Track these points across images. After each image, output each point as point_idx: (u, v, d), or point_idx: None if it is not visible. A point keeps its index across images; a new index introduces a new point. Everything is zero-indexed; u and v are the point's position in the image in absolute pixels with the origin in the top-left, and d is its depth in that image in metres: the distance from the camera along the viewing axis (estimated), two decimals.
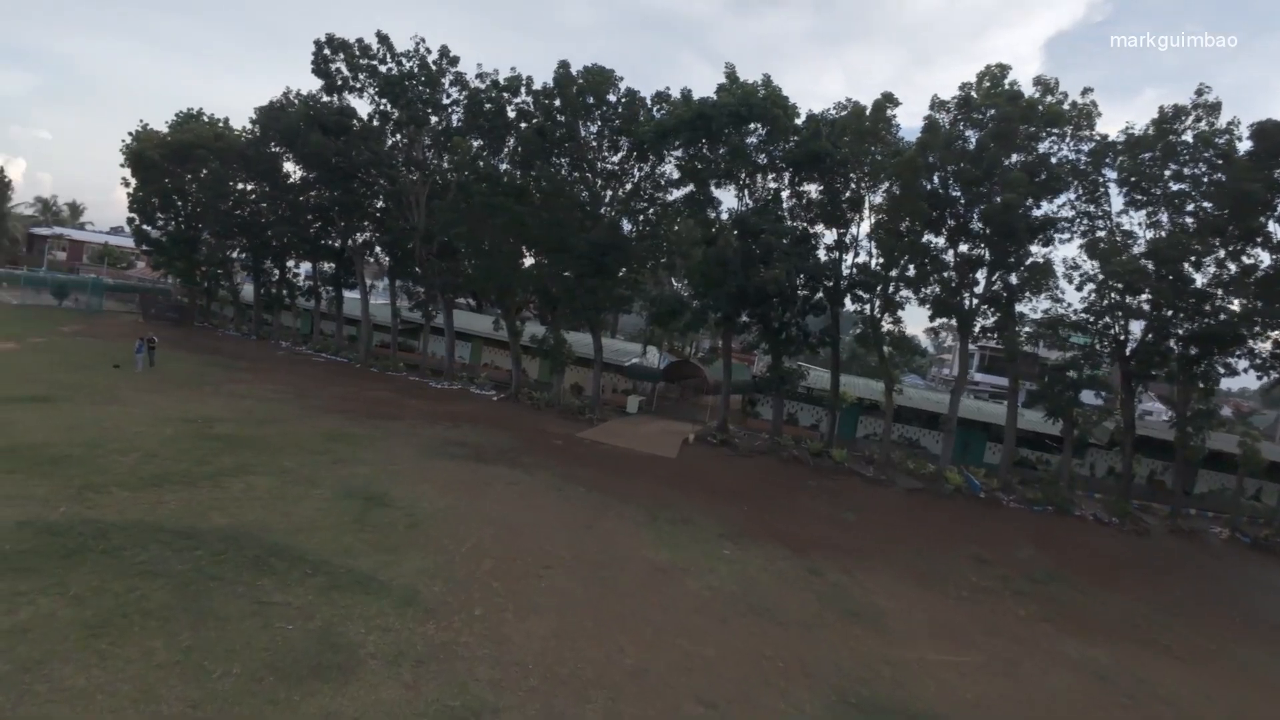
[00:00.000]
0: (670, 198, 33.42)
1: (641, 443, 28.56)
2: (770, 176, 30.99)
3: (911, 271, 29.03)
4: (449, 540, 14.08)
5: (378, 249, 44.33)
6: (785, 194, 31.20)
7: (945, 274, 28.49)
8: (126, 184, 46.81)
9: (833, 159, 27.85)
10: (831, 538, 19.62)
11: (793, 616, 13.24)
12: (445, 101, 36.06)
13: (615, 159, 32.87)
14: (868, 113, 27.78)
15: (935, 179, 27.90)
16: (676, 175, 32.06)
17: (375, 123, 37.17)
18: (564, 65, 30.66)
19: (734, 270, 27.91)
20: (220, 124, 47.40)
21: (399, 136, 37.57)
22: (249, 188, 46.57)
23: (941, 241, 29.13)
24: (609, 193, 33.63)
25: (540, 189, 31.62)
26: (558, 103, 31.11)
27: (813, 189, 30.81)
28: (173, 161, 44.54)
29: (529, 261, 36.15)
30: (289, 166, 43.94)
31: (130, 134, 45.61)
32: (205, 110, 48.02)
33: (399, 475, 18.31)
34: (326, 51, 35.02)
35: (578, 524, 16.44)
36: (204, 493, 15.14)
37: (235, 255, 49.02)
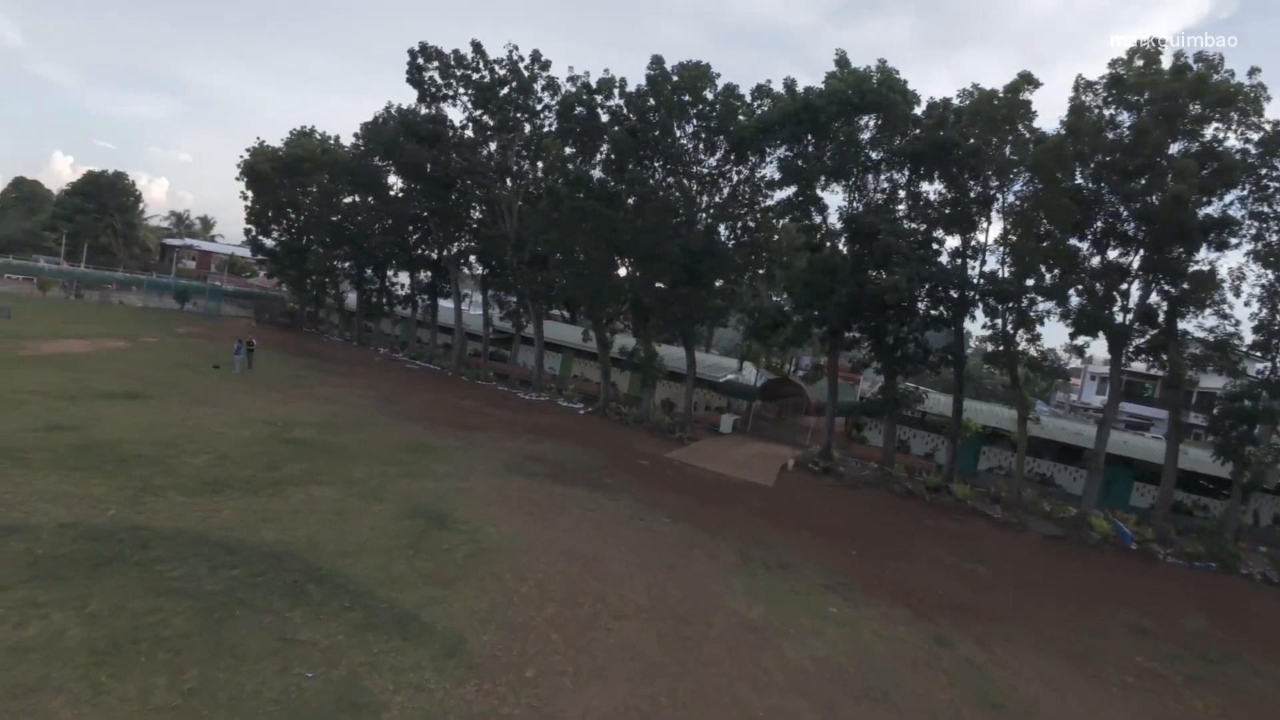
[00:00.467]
0: (769, 201, 31.00)
1: (735, 467, 26.03)
2: (884, 174, 27.82)
3: (1048, 280, 25.10)
4: (510, 574, 12.23)
5: (472, 258, 44.24)
6: (901, 194, 27.90)
7: (1090, 283, 24.38)
8: (245, 197, 49.43)
9: (961, 150, 24.42)
10: (959, 595, 16.36)
11: (918, 705, 10.39)
12: (537, 107, 35.29)
13: (712, 161, 30.78)
14: (1000, 96, 24.29)
15: (1080, 172, 23.96)
16: (777, 176, 29.52)
17: (468, 130, 36.91)
18: (658, 61, 28.98)
19: (844, 278, 24.97)
20: (330, 140, 49.23)
21: (492, 145, 37.17)
22: (354, 200, 48.10)
23: (1086, 246, 25.05)
24: (704, 197, 31.56)
25: (632, 193, 29.95)
26: (651, 102, 29.40)
27: (931, 189, 27.46)
28: (283, 175, 46.59)
29: (621, 272, 34.63)
30: (392, 179, 45.07)
31: (247, 150, 48.07)
32: (318, 128, 50.17)
33: (469, 493, 16.79)
34: (420, 60, 35.18)
35: (659, 562, 14.20)
36: (262, 501, 14.13)
37: (341, 265, 50.56)
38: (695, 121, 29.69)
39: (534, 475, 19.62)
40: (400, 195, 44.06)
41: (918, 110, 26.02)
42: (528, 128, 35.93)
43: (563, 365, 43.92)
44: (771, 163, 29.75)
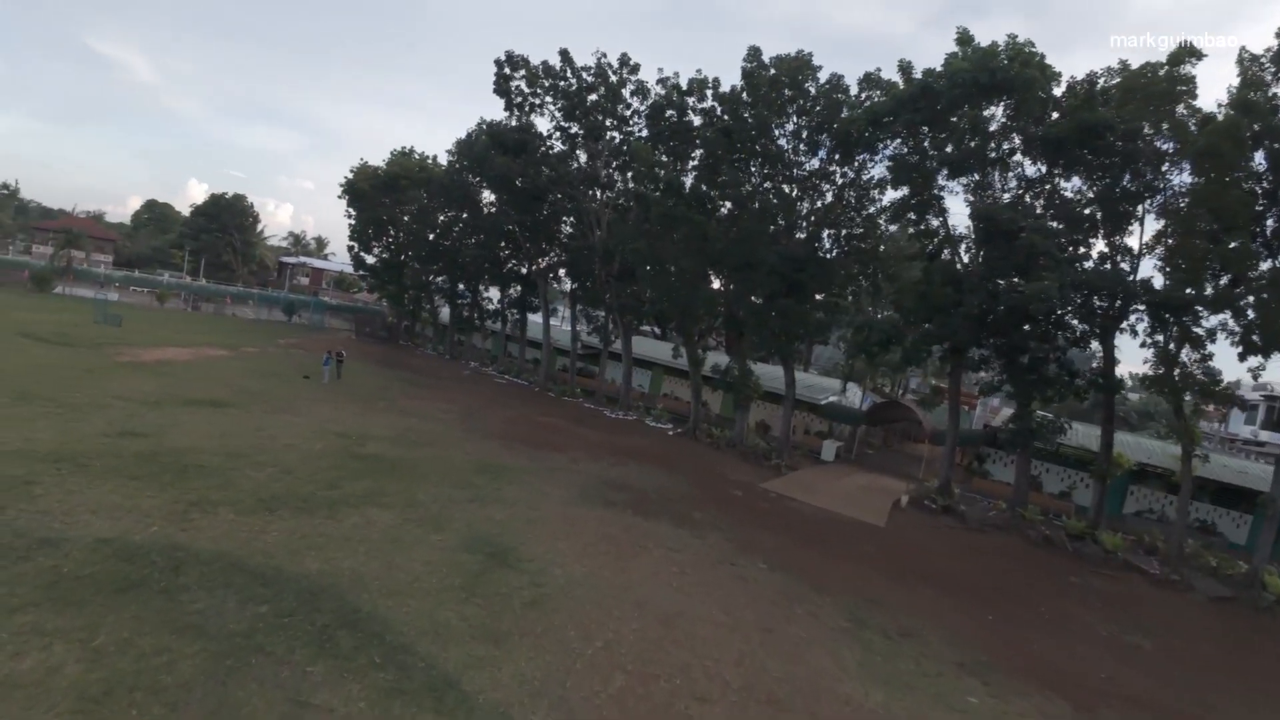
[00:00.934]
0: (877, 205, 28.00)
1: (840, 502, 23.07)
2: (1013, 169, 24.20)
3: (1210, 290, 20.86)
4: (575, 631, 10.22)
5: (561, 272, 43.31)
6: (1033, 191, 24.13)
7: (1271, 293, 19.96)
8: (349, 215, 51.02)
9: (1114, 133, 20.61)
10: (1124, 681, 12.87)
11: None
12: (626, 113, 33.88)
13: (814, 162, 28.14)
14: (1159, 69, 20.47)
15: (1255, 159, 19.74)
16: (886, 177, 26.48)
17: (555, 138, 35.98)
18: (754, 53, 26.75)
19: (973, 287, 21.65)
20: (428, 159, 50.11)
21: (581, 155, 36.07)
22: (449, 217, 48.60)
23: (1255, 246, 20.65)
24: (805, 203, 28.91)
25: (727, 198, 27.79)
26: (746, 98, 27.18)
27: (1069, 185, 23.59)
28: (382, 193, 47.69)
29: (714, 284, 32.43)
30: (484, 195, 45.18)
31: (351, 170, 49.62)
32: (417, 149, 51.27)
33: (539, 524, 14.99)
34: (506, 70, 34.55)
35: (754, 623, 11.75)
36: (314, 523, 12.89)
37: (436, 280, 51.16)
38: (795, 119, 27.21)
39: (613, 505, 17.64)
40: (492, 211, 43.99)
41: (1055, 91, 22.45)
42: (617, 136, 34.61)
43: (652, 383, 42.07)
44: (881, 161, 26.85)
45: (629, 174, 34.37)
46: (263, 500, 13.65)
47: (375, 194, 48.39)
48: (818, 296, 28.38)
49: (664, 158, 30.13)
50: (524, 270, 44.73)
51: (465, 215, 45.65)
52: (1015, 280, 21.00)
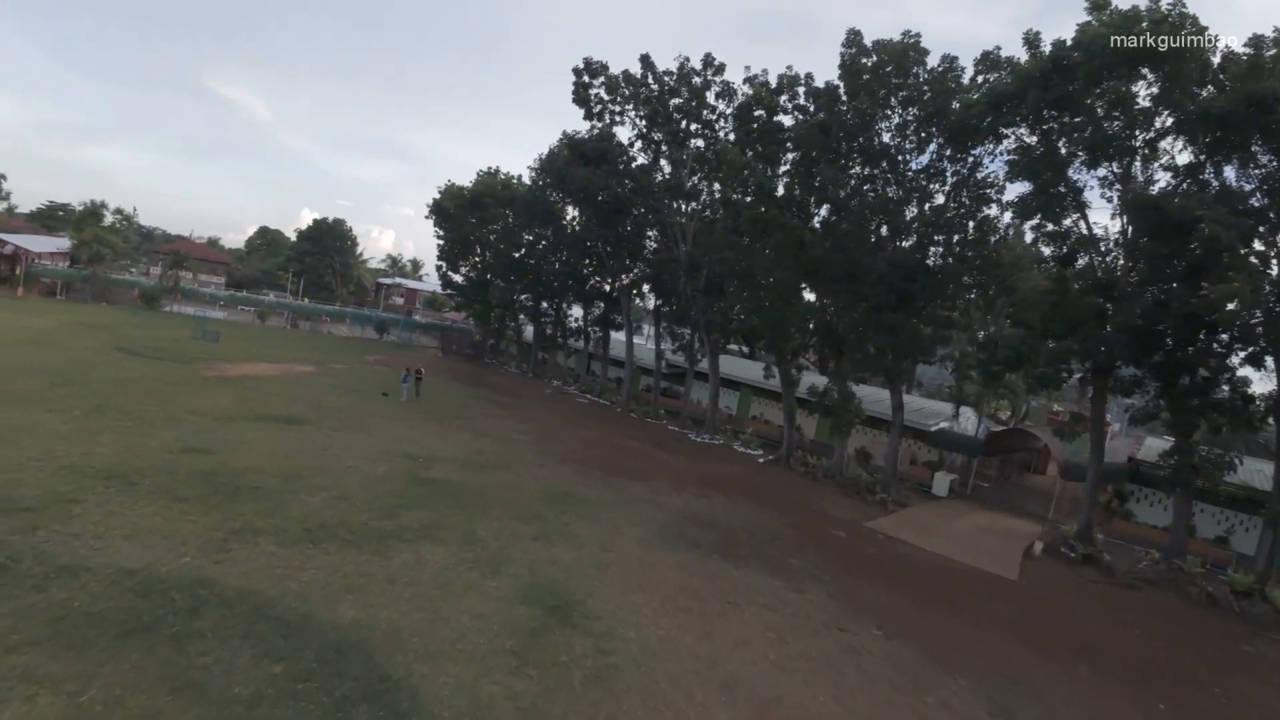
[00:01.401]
0: (994, 206, 24.74)
1: (961, 547, 19.84)
2: (1161, 155, 20.34)
3: None
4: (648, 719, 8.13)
5: (645, 288, 41.62)
6: (1187, 179, 20.05)
7: None
8: (438, 236, 51.62)
9: None
10: None
11: None
12: (711, 116, 31.99)
13: (922, 159, 25.13)
14: None
15: None
16: (1006, 172, 23.14)
17: (637, 149, 34.52)
18: (854, 37, 24.17)
19: (1128, 294, 18.14)
20: (512, 179, 50.15)
21: (664, 165, 34.42)
22: (533, 235, 48.27)
23: None
24: (913, 206, 25.90)
25: (825, 200, 25.28)
26: (844, 89, 24.64)
27: (1229, 172, 19.59)
28: (468, 212, 47.88)
29: (810, 297, 29.77)
30: (568, 212, 44.55)
31: (438, 189, 50.15)
32: (504, 168, 51.58)
33: (610, 570, 13.02)
34: (585, 78, 33.36)
35: (871, 714, 9.26)
36: (359, 561, 11.50)
37: (520, 298, 50.80)
38: (901, 110, 24.40)
39: (697, 547, 15.44)
40: (575, 228, 43.20)
41: (1213, 60, 18.64)
42: (701, 142, 32.76)
43: (740, 404, 39.58)
44: (1000, 155, 23.57)
45: (715, 182, 32.43)
46: (309, 530, 12.42)
47: (461, 213, 48.74)
48: (923, 308, 25.25)
49: (753, 161, 27.96)
50: (607, 287, 43.46)
51: (549, 232, 44.98)
52: (1181, 285, 17.26)
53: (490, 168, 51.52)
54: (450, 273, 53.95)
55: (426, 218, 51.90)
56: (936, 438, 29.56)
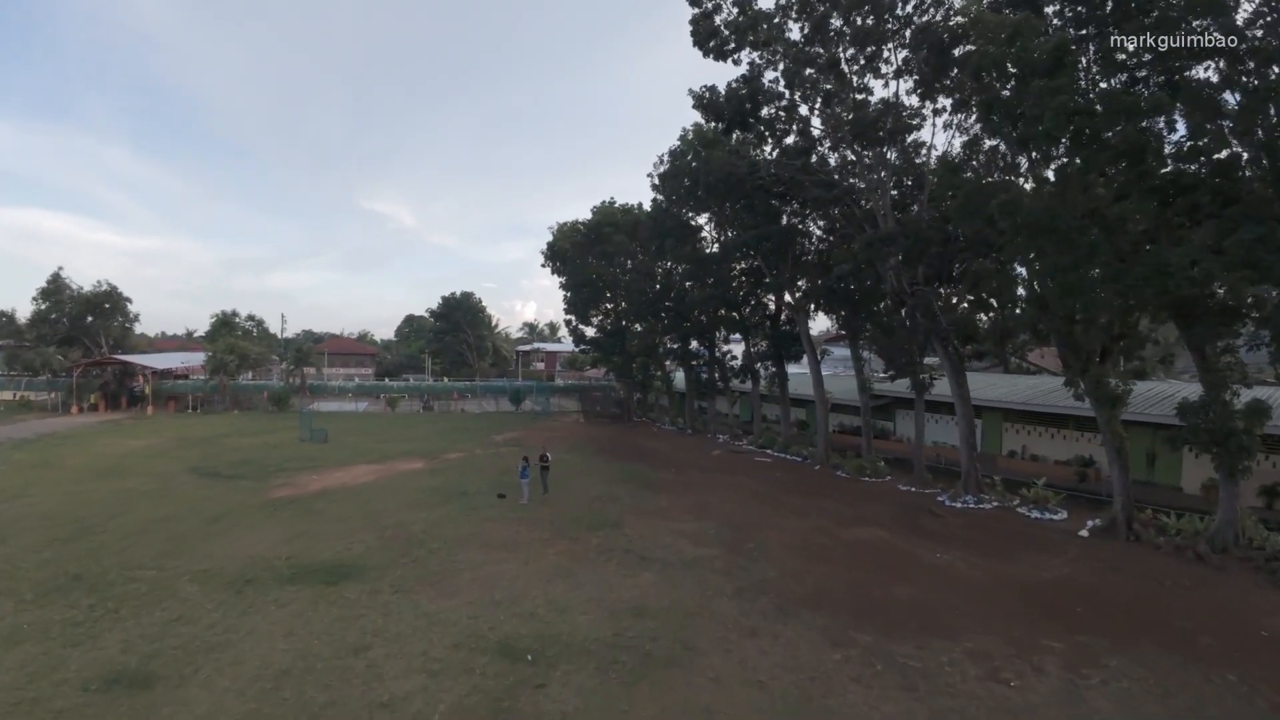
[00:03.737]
0: None
1: None
2: None
3: None
4: None
5: (822, 300, 31.12)
6: None
7: None
8: (562, 286, 44.81)
9: None
10: None
11: None
12: (893, 26, 21.77)
13: None
14: None
15: None
16: None
17: (785, 91, 24.60)
18: None
19: None
20: (632, 208, 42.57)
21: (827, 108, 24.29)
22: (667, 266, 39.92)
23: None
24: None
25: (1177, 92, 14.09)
26: None
27: None
28: (588, 250, 40.58)
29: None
30: (705, 230, 35.82)
31: (550, 230, 43.52)
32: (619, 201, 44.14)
33: None
34: (707, 5, 23.88)
35: None
36: None
37: (664, 341, 42.24)
38: None
39: None
40: (716, 245, 34.32)
41: None
42: (885, 68, 22.51)
43: (987, 436, 27.80)
44: None
45: (938, 99, 21.71)
46: None
47: (579, 253, 41.53)
48: None
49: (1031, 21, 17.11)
50: (771, 307, 33.75)
51: (688, 250, 36.23)
52: None
53: (607, 199, 44.19)
54: (580, 325, 46.82)
55: (543, 266, 45.49)
56: None
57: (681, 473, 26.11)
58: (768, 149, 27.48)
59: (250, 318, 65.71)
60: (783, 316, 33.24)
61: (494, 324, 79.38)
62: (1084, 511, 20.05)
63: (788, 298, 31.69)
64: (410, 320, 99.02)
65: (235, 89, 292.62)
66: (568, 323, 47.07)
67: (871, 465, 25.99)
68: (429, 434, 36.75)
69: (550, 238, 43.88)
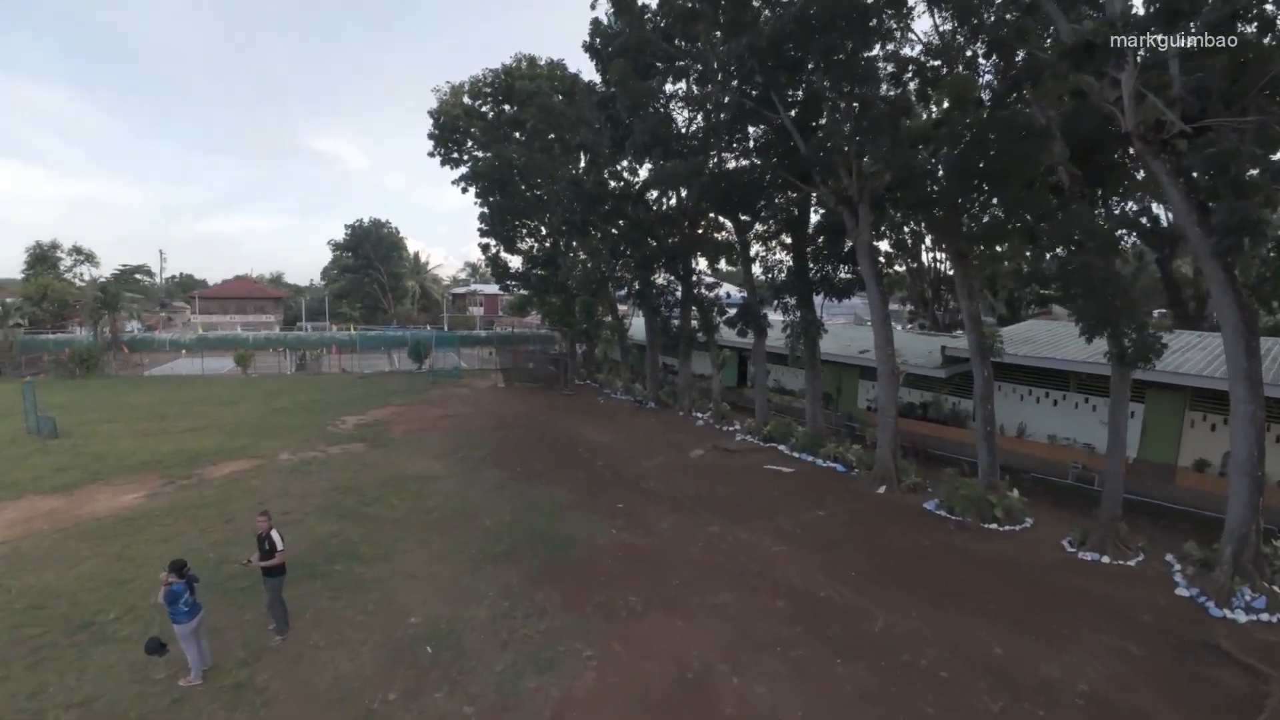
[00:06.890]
0: None
1: None
2: None
3: None
4: None
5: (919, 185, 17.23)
6: None
7: None
8: (478, 197, 30.96)
9: None
10: None
11: None
12: None
13: None
14: None
15: None
16: None
17: None
18: None
19: None
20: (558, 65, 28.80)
21: None
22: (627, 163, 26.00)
23: None
24: None
25: None
26: None
27: None
28: (495, 127, 26.74)
29: None
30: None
31: (434, 93, 29.79)
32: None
33: None
34: None
35: None
36: None
37: (616, 269, 28.77)
38: None
39: None
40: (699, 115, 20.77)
41: None
42: None
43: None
44: None
45: None
46: None
47: (484, 129, 27.80)
48: None
49: None
50: (816, 195, 19.60)
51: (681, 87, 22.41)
52: None
53: (518, 55, 29.88)
54: (504, 253, 33.37)
55: (432, 155, 31.58)
56: None
57: (637, 517, 13.27)
58: None
59: (77, 249, 48.38)
60: (835, 213, 18.94)
61: (424, 262, 64.46)
62: None
63: (844, 181, 17.32)
64: (339, 261, 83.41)
65: (175, 21, 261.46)
66: (484, 248, 33.40)
67: (1001, 498, 13.39)
68: (250, 414, 23.11)
69: (433, 109, 29.71)
